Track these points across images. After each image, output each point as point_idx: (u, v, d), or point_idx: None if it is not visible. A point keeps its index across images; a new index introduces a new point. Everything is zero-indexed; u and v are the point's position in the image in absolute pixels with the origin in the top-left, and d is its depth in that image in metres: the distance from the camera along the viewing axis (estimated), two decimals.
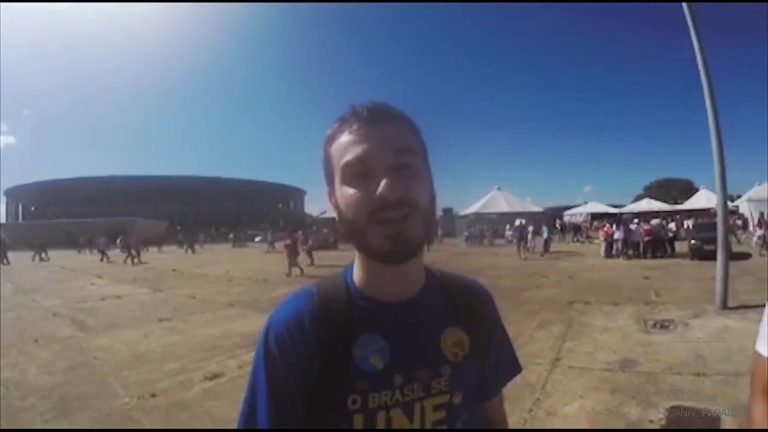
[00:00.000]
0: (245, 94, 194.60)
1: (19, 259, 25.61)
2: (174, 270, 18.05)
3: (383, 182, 0.70)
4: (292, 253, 15.07)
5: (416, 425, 0.76)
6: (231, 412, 3.87)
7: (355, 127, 0.75)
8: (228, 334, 7.14)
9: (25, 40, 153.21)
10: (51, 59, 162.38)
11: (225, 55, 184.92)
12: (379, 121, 0.75)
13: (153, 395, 4.69)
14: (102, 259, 25.25)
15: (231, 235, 43.42)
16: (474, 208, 39.65)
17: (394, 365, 0.77)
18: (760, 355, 1.13)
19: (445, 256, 21.98)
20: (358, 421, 0.74)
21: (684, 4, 5.91)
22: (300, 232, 32.64)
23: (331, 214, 0.82)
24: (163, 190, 73.52)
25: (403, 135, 0.76)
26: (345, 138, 0.75)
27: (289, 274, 14.27)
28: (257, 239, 48.60)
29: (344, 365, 0.76)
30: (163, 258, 26.77)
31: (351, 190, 0.73)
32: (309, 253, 18.04)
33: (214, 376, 5.20)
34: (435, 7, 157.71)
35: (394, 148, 0.73)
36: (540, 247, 20.75)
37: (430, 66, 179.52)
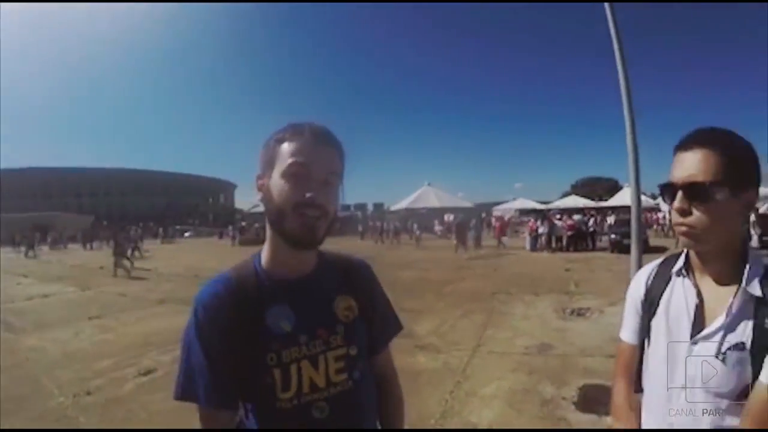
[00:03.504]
0: (175, 85, 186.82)
1: None
2: (101, 268, 17.28)
3: (314, 189, 0.96)
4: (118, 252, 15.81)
5: (321, 372, 1.01)
6: (167, 405, 3.99)
7: (306, 139, 0.98)
8: (159, 331, 7.00)
9: None
10: None
11: (156, 49, 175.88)
12: (325, 142, 1.01)
13: (88, 393, 4.66)
14: None
15: (160, 230, 41.89)
16: (404, 204, 39.68)
17: (299, 327, 1.01)
18: (621, 341, 1.28)
19: (380, 249, 22.35)
20: (277, 373, 0.98)
21: (606, 4, 6.21)
22: (230, 227, 38.18)
23: (262, 208, 1.08)
24: (87, 183, 69.01)
25: (336, 159, 1.02)
26: (297, 144, 0.98)
27: (114, 275, 14.74)
28: (186, 234, 47.12)
29: (260, 331, 0.99)
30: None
31: (288, 184, 0.96)
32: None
33: (148, 372, 5.21)
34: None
35: (329, 167, 1.00)
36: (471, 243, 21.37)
37: (363, 59, 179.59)
